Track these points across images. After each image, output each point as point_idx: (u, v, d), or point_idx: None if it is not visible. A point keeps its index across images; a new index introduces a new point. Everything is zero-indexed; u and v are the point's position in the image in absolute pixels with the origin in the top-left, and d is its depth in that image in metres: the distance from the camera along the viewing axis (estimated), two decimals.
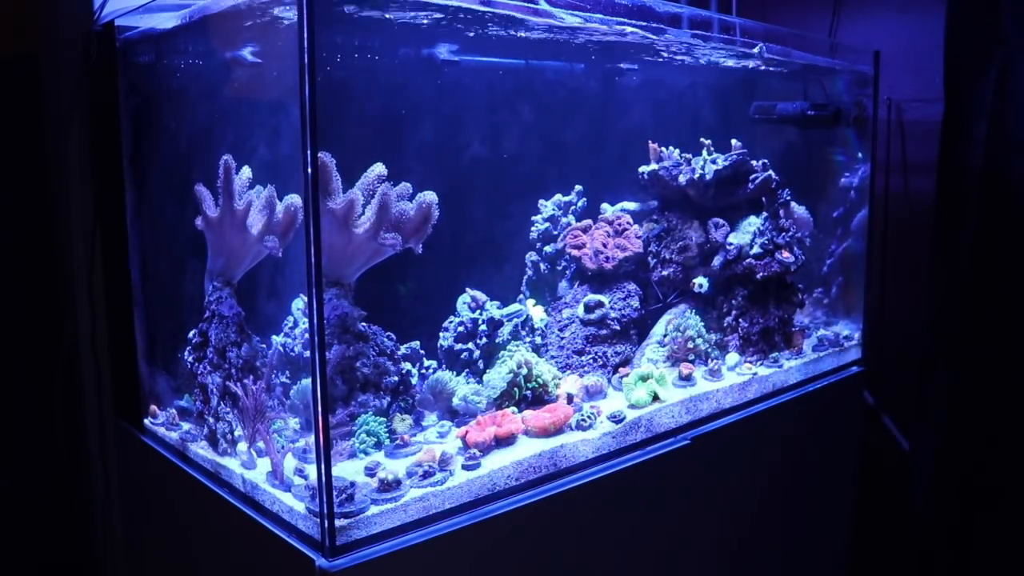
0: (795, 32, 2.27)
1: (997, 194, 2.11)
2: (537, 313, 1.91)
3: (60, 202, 1.84)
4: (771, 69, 2.30)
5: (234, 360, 1.45)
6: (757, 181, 2.08)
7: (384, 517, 1.25)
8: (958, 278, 2.19)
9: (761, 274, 2.00)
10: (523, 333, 1.78)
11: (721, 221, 2.06)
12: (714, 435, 1.74)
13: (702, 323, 1.95)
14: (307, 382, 1.22)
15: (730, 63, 2.25)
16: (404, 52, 1.81)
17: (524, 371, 1.64)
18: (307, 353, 1.36)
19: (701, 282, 1.99)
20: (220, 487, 1.42)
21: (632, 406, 1.67)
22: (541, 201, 2.05)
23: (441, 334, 1.76)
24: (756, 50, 2.06)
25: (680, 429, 1.71)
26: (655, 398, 1.69)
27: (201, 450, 1.51)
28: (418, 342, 1.73)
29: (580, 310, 1.90)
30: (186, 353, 1.55)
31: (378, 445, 1.45)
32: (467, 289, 1.77)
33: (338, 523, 1.19)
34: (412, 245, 1.51)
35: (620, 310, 1.92)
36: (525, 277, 2.04)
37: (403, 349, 1.65)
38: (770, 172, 2.10)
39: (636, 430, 1.63)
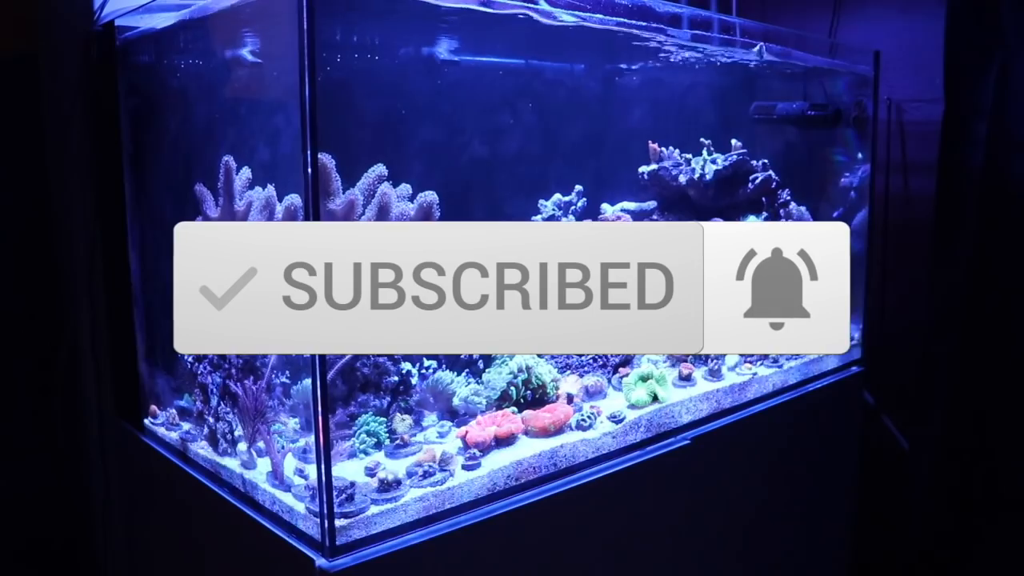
0: (795, 32, 2.27)
1: (997, 194, 2.11)
2: None
3: (60, 202, 1.84)
4: (773, 64, 2.30)
5: (234, 360, 1.45)
6: (757, 181, 2.08)
7: (384, 517, 1.25)
8: (958, 278, 2.19)
9: None
10: None
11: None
12: (714, 435, 1.74)
13: None
14: (307, 382, 1.22)
15: (730, 61, 2.25)
16: (404, 52, 1.81)
17: (523, 376, 1.64)
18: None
19: None
20: (220, 487, 1.42)
21: (632, 406, 1.67)
22: (541, 201, 2.05)
23: None
24: (755, 50, 2.06)
25: (680, 429, 1.71)
26: (655, 398, 1.69)
27: (201, 450, 1.51)
28: None
29: None
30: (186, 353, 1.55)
31: (378, 445, 1.45)
32: None
33: (338, 523, 1.19)
34: None
35: None
36: None
37: None
38: (770, 172, 2.09)
39: (636, 430, 1.63)
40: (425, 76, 1.86)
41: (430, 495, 1.30)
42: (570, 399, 1.65)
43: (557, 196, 2.05)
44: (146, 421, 1.71)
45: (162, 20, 1.60)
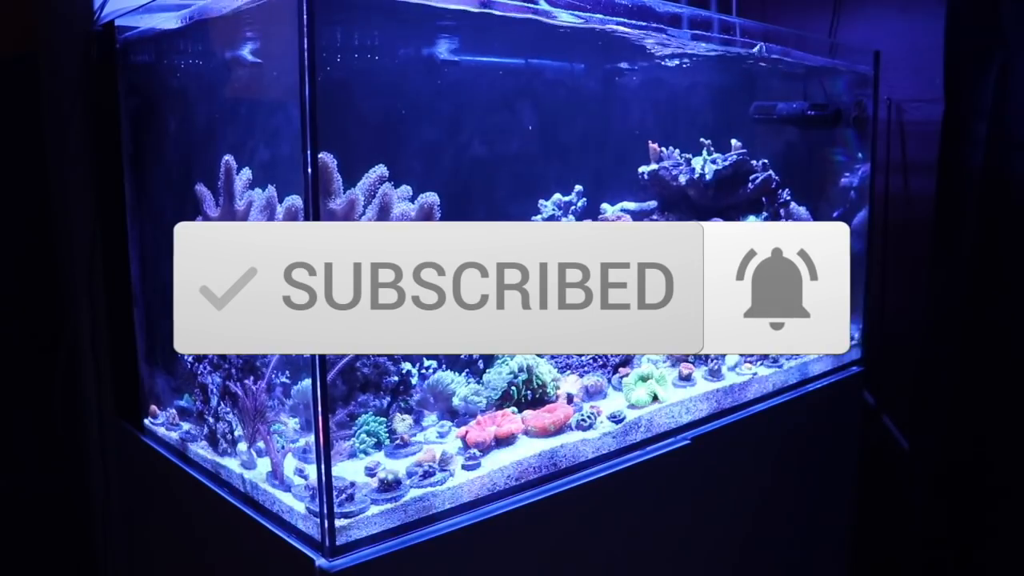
0: (795, 32, 2.27)
1: (997, 194, 2.11)
2: None
3: (60, 202, 1.84)
4: (773, 62, 2.30)
5: (234, 360, 1.45)
6: (757, 181, 2.08)
7: (384, 517, 1.25)
8: (958, 278, 2.18)
9: None
10: None
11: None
12: (714, 435, 1.74)
13: None
14: (307, 382, 1.22)
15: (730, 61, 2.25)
16: (404, 53, 1.81)
17: (524, 376, 1.64)
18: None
19: None
20: (220, 487, 1.42)
21: (632, 406, 1.67)
22: (541, 201, 2.05)
23: None
24: (755, 50, 2.06)
25: (680, 429, 1.71)
26: (655, 398, 1.69)
27: (201, 450, 1.51)
28: None
29: None
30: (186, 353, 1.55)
31: (378, 445, 1.45)
32: None
33: (338, 523, 1.19)
34: None
35: None
36: None
37: None
38: (770, 172, 2.09)
39: (636, 430, 1.63)
40: (425, 77, 1.86)
41: (430, 495, 1.30)
42: (570, 399, 1.65)
43: (557, 196, 2.05)
44: (146, 421, 1.71)
45: (162, 20, 1.60)
